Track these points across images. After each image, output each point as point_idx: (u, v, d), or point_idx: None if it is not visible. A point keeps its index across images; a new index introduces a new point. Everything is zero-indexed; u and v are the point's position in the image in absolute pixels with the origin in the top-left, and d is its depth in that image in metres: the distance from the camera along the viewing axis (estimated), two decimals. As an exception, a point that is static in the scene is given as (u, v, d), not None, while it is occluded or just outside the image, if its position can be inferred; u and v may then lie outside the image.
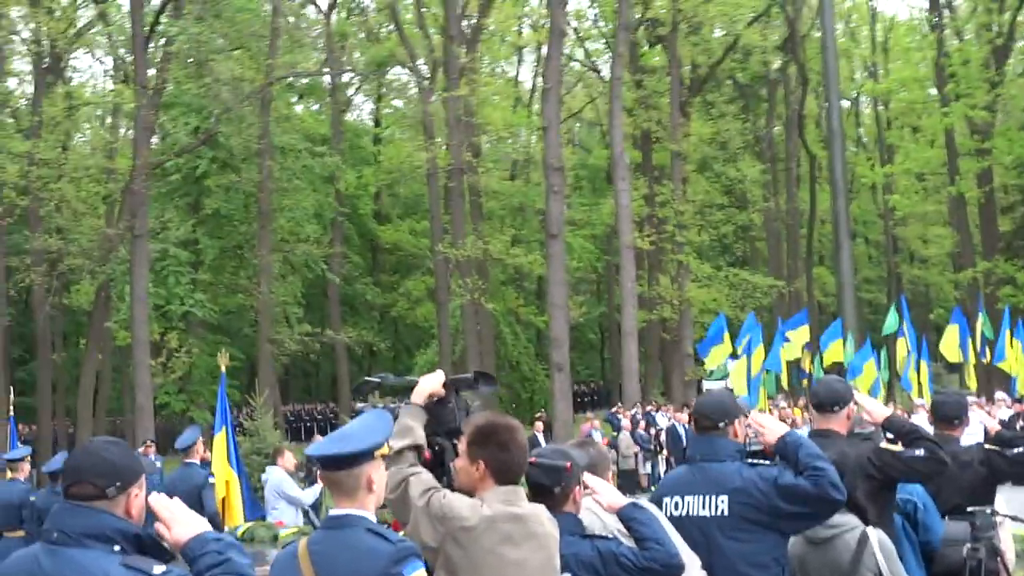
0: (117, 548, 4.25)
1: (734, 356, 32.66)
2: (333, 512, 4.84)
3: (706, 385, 54.37)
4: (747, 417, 6.85)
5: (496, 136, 50.15)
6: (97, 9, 46.88)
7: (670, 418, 34.10)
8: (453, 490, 5.29)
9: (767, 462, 6.56)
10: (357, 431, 4.93)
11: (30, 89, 49.20)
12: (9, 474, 17.31)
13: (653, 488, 6.77)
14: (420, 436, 5.40)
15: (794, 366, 36.56)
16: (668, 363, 48.33)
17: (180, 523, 4.33)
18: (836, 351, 33.28)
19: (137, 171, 36.33)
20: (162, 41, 39.75)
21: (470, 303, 42.83)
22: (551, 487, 5.68)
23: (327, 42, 52.82)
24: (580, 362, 67.22)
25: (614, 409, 37.92)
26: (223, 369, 18.06)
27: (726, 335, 33.16)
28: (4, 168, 41.08)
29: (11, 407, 24.38)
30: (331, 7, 54.40)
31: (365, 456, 4.80)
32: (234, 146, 43.47)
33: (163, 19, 39.73)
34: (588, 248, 57.62)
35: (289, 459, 17.02)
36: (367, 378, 6.07)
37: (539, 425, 35.24)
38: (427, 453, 5.48)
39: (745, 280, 47.78)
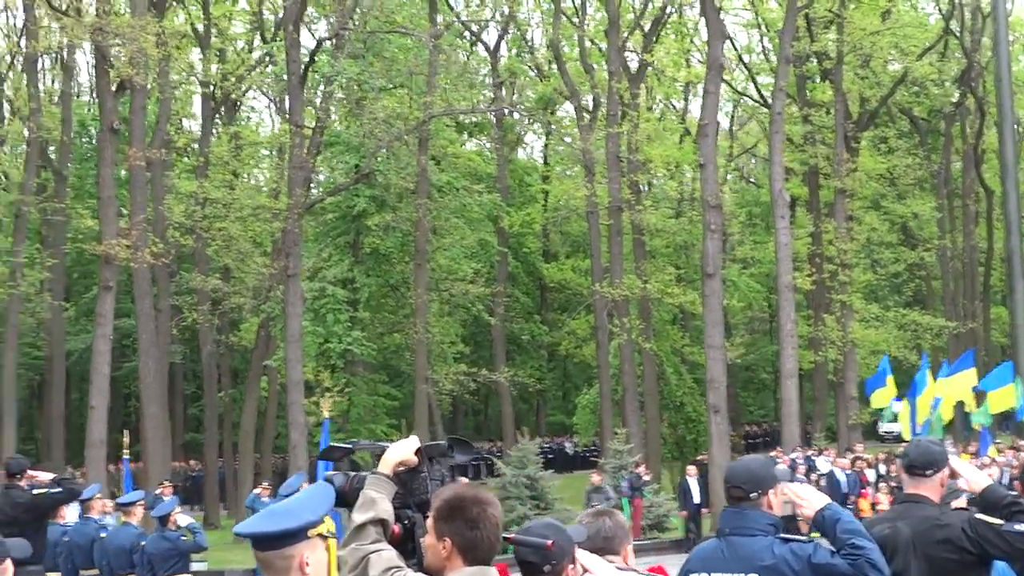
0: None
1: (899, 399, 31.70)
2: None
3: (883, 428, 53.19)
4: (782, 486, 6.29)
5: (657, 173, 49.59)
6: (265, 48, 47.64)
7: (831, 463, 32.94)
8: (422, 570, 4.79)
9: (803, 536, 6.08)
10: (291, 507, 4.42)
11: (198, 128, 50.36)
12: (122, 518, 17.30)
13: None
14: (385, 510, 4.88)
15: (960, 411, 35.21)
16: (835, 405, 47.13)
17: None
18: (1007, 396, 31.89)
19: (291, 211, 36.57)
20: (320, 80, 40.19)
21: (629, 343, 42.21)
22: (540, 565, 5.20)
23: (493, 79, 52.98)
24: (752, 402, 66.09)
25: (772, 453, 36.91)
26: (326, 415, 17.74)
27: (889, 378, 32.15)
28: (171, 208, 41.94)
29: (125, 449, 24.44)
30: (497, 45, 54.52)
31: (296, 535, 4.28)
32: (392, 184, 43.59)
33: (320, 58, 40.10)
34: (754, 287, 56.59)
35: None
36: (335, 444, 5.58)
37: (691, 470, 34.46)
38: (396, 528, 4.97)
39: (914, 321, 46.39)
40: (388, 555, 4.73)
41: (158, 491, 27.39)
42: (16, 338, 43.76)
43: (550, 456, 53.00)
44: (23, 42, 43.73)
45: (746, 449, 53.18)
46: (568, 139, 58.00)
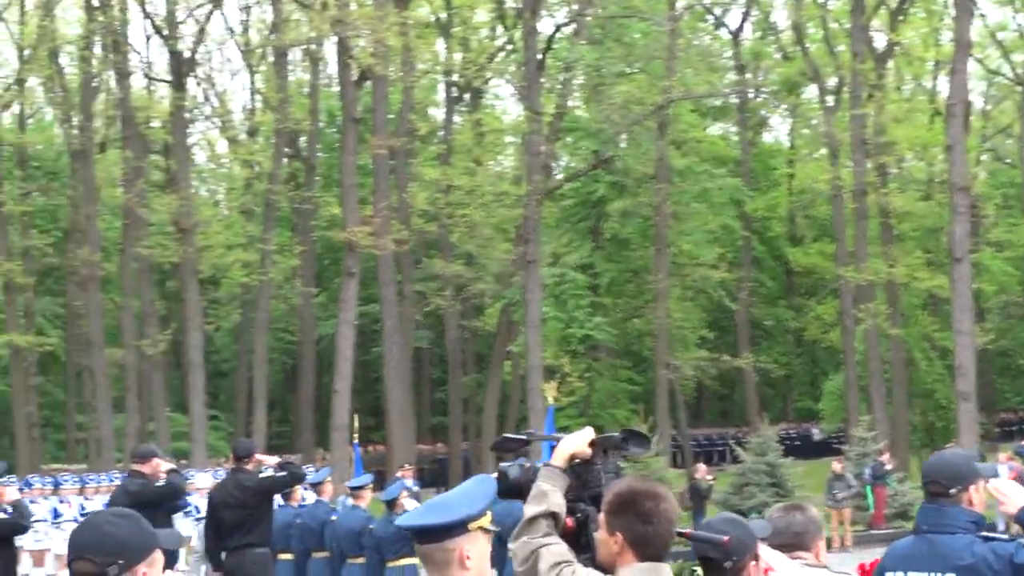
0: None
1: None
2: None
3: None
4: (985, 482, 5.95)
5: (904, 155, 48.27)
6: (505, 36, 48.05)
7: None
8: (594, 564, 4.65)
9: (1004, 535, 5.75)
10: (452, 500, 4.38)
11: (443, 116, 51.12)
12: (351, 501, 17.58)
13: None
14: (556, 503, 4.75)
15: None
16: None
17: None
18: None
19: (530, 197, 36.77)
20: (559, 66, 40.30)
21: (874, 328, 41.25)
22: (720, 561, 5.05)
23: (735, 62, 52.40)
24: (1009, 389, 63.88)
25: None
26: (551, 402, 17.68)
27: None
28: (414, 195, 42.65)
29: (355, 433, 24.78)
30: (740, 28, 53.92)
31: (455, 528, 4.23)
32: (631, 170, 43.42)
33: (558, 44, 40.20)
34: (1008, 271, 54.59)
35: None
36: (507, 435, 5.50)
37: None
38: (569, 521, 4.85)
39: None
40: (558, 549, 4.61)
41: (399, 474, 27.81)
42: (267, 324, 45.09)
43: (796, 443, 52.19)
44: (273, 36, 44.97)
45: (1000, 437, 51.49)
46: (814, 121, 57.03)
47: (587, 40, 40.37)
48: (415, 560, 14.89)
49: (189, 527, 21.17)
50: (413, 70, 43.97)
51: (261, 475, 13.33)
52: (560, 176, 45.43)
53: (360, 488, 17.05)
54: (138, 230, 42.55)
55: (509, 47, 48.07)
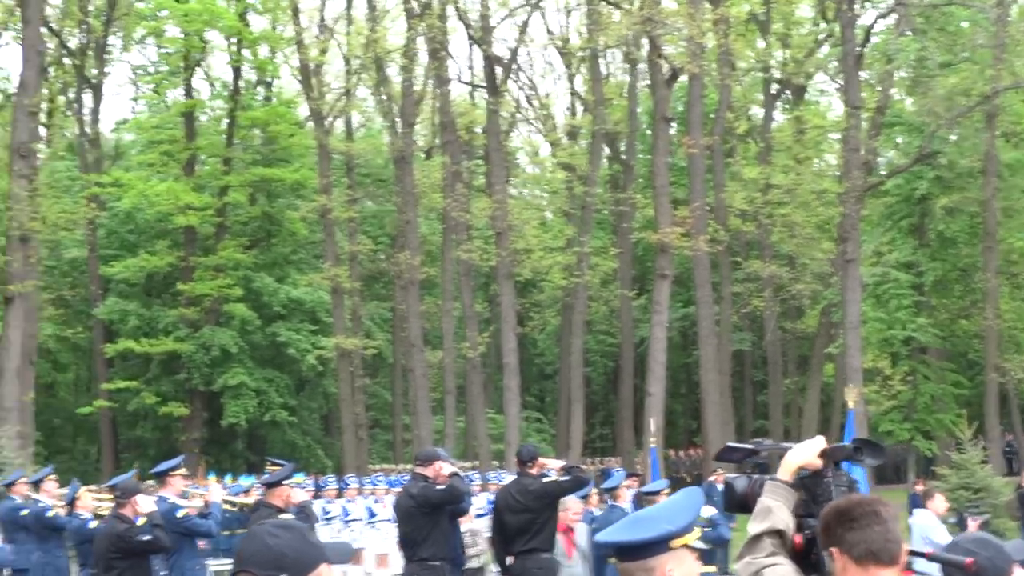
0: None
1: None
2: None
3: None
4: None
5: None
6: (827, 29, 46.94)
7: None
8: None
9: None
10: (653, 515, 4.08)
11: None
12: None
13: None
14: (782, 519, 4.43)
15: None
16: None
17: None
18: None
19: (848, 194, 35.80)
20: (881, 59, 39.12)
21: None
22: None
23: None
24: None
25: None
26: (851, 406, 17.02)
27: None
28: (732, 195, 42.13)
29: (652, 437, 24.44)
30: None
31: (656, 546, 3.94)
32: (957, 164, 41.68)
33: (879, 35, 38.99)
34: None
35: (939, 502, 15.72)
36: (733, 444, 5.14)
37: None
38: (797, 539, 4.48)
39: None
40: (784, 570, 4.28)
41: (711, 478, 27.30)
42: (583, 326, 45.23)
43: None
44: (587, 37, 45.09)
45: None
46: None
47: (909, 30, 38.94)
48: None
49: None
50: (731, 68, 43.38)
51: (544, 480, 13.14)
52: (883, 172, 43.98)
53: (655, 494, 16.69)
54: (458, 234, 43.32)
55: (829, 40, 46.87)
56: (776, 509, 4.40)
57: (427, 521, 12.49)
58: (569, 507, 14.13)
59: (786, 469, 4.53)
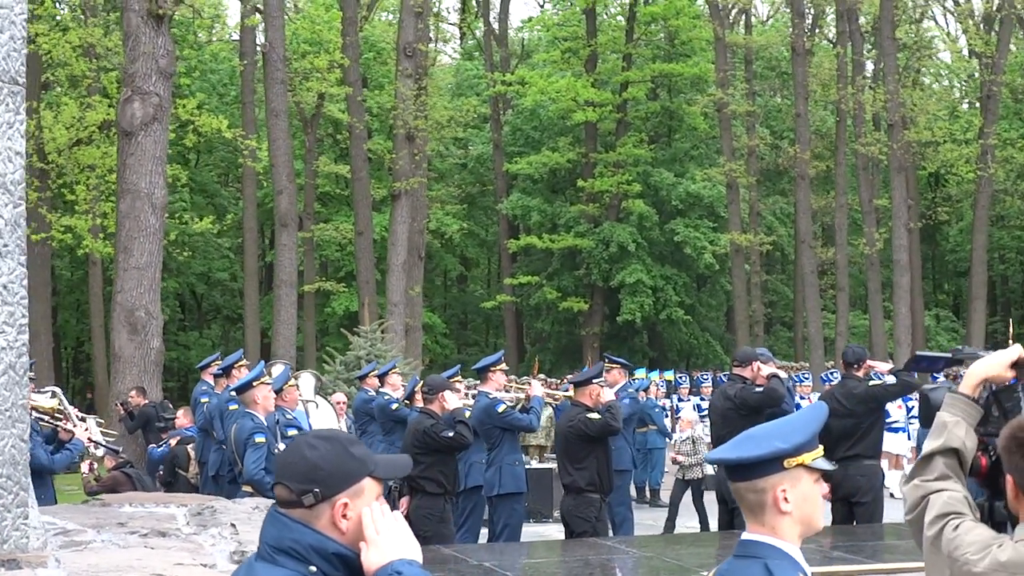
0: (313, 569, 3.38)
1: None
2: (743, 536, 3.71)
3: None
4: None
5: None
6: None
7: None
8: (1008, 514, 3.84)
9: None
10: (766, 432, 3.72)
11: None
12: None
13: None
14: (957, 437, 4.01)
15: None
16: None
17: (375, 545, 3.43)
18: None
19: None
20: None
21: None
22: None
23: None
24: None
25: None
26: None
27: None
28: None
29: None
30: None
31: (765, 465, 3.60)
32: None
33: None
34: None
35: None
36: (920, 352, 4.70)
37: None
38: (983, 459, 4.03)
39: None
40: (949, 496, 3.88)
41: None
42: (986, 221, 43.23)
43: None
44: None
45: None
46: None
47: None
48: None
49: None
50: None
51: (871, 383, 12.57)
52: None
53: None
54: (858, 126, 42.28)
55: None
56: (953, 425, 3.99)
57: (745, 424, 12.14)
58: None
59: (969, 381, 4.08)
